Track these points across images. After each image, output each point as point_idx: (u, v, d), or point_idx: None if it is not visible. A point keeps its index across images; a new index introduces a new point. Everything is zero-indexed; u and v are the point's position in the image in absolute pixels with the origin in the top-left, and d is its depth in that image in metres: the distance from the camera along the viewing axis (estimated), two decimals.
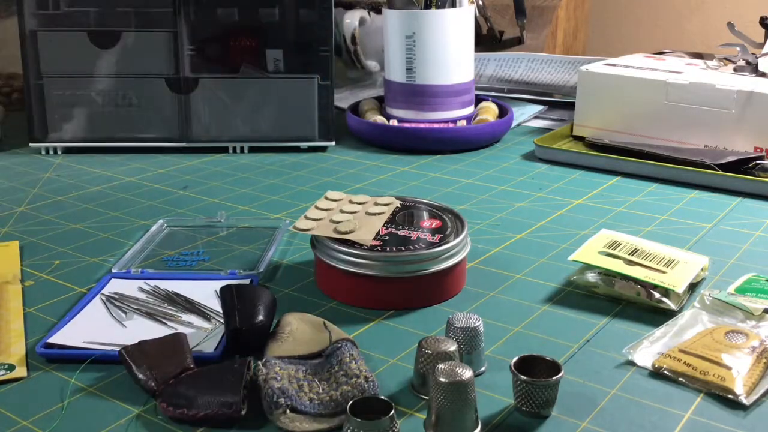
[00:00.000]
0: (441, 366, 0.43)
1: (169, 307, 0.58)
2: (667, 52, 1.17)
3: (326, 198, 0.68)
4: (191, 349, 0.50)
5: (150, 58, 0.98)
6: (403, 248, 0.58)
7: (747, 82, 0.92)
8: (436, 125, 1.02)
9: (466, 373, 0.43)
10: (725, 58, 1.06)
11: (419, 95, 1.02)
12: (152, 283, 0.62)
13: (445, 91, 1.02)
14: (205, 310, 0.58)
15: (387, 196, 0.68)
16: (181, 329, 0.55)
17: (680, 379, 0.49)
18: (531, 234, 0.74)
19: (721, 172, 0.85)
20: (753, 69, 0.99)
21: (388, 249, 0.58)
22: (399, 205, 0.67)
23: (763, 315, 0.55)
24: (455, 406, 0.43)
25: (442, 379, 0.42)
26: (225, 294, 0.53)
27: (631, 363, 0.51)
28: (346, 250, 0.59)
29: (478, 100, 1.11)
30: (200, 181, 0.89)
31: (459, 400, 0.42)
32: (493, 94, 1.23)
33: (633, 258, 0.62)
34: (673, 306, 0.58)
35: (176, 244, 0.71)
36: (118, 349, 0.49)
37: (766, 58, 1.00)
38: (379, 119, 1.05)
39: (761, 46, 1.06)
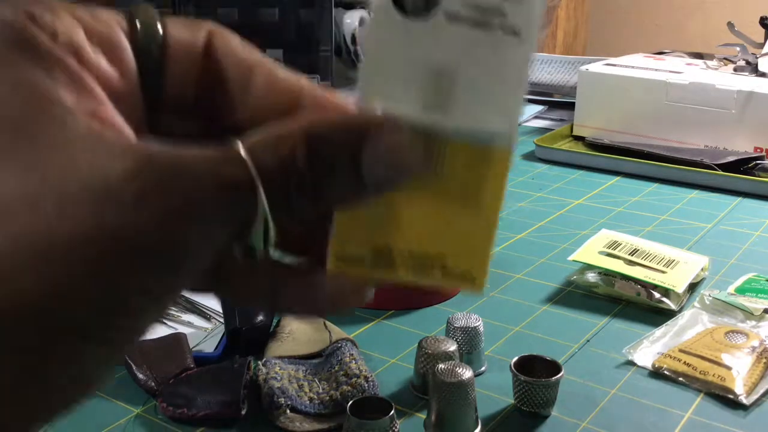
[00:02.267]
0: (441, 366, 0.43)
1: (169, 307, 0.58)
2: (667, 52, 1.17)
3: None
4: (191, 349, 0.50)
5: None
6: None
7: (747, 82, 0.92)
8: None
9: (466, 373, 0.43)
10: (725, 58, 1.06)
11: None
12: None
13: None
14: (205, 310, 0.58)
15: None
16: (181, 329, 0.55)
17: (680, 379, 0.49)
18: (531, 234, 0.74)
19: (721, 172, 0.85)
20: (753, 69, 0.99)
21: None
22: None
23: (763, 315, 0.55)
24: (455, 406, 0.42)
25: (442, 379, 0.42)
26: None
27: (631, 363, 0.51)
28: None
29: None
30: None
31: (459, 400, 0.42)
32: None
33: (633, 258, 0.62)
34: (673, 306, 0.57)
35: None
36: None
37: (766, 58, 1.00)
38: None
39: (761, 46, 1.06)
